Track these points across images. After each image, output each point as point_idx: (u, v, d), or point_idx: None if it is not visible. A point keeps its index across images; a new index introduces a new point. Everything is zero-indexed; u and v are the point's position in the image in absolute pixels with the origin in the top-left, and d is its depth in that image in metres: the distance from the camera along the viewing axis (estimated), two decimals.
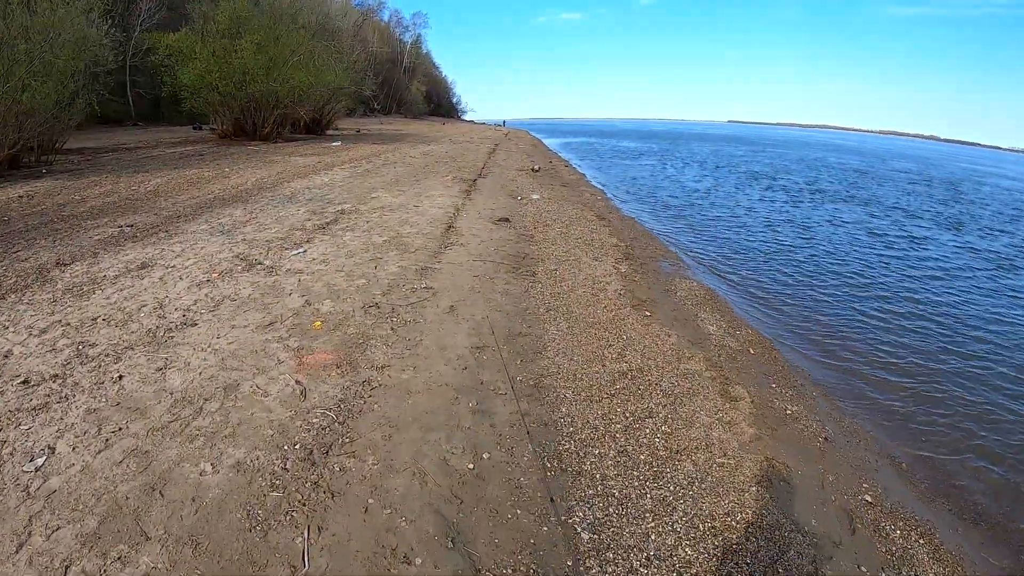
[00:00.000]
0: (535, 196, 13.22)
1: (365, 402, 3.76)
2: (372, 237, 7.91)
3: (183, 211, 9.41)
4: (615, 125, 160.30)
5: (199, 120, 25.50)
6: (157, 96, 26.27)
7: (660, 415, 4.18)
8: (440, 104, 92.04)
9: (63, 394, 3.69)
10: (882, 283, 8.88)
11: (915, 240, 12.36)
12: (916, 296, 8.37)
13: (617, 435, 3.87)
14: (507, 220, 9.88)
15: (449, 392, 4.00)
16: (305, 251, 7.05)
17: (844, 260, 10.08)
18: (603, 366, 4.78)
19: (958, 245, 12.29)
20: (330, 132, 31.16)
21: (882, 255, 10.60)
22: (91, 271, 6.13)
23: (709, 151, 42.49)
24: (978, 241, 13.02)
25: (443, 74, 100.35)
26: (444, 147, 26.72)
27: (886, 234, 12.75)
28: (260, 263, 6.53)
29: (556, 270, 7.18)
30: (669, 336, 5.60)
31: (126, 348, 4.32)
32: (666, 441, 3.88)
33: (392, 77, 68.09)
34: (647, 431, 3.96)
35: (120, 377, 3.90)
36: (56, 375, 3.91)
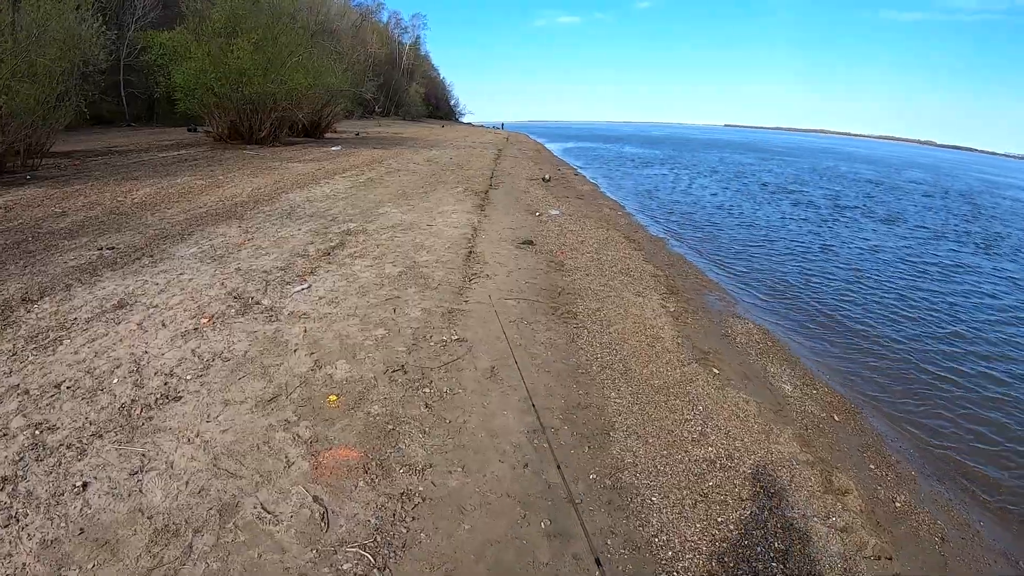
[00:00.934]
0: (554, 212, 12.35)
1: (408, 529, 2.84)
2: (385, 267, 7.00)
3: (171, 229, 8.52)
4: (614, 129, 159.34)
5: (195, 122, 24.51)
6: (152, 97, 25.33)
7: (769, 524, 3.32)
8: (438, 106, 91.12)
9: (13, 511, 2.78)
10: (938, 324, 8.02)
11: (954, 268, 11.39)
12: (977, 343, 7.50)
13: (726, 559, 3.00)
14: (531, 243, 9.00)
15: (514, 507, 3.09)
16: (309, 286, 6.14)
17: (891, 293, 9.21)
18: (685, 452, 3.90)
19: (997, 274, 11.35)
20: (329, 135, 30.26)
21: (930, 289, 9.68)
22: (61, 311, 5.22)
23: (717, 159, 41.55)
24: (1016, 268, 12.12)
25: (441, 76, 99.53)
26: (447, 152, 25.84)
27: (927, 262, 11.77)
28: (258, 303, 5.61)
29: (599, 309, 6.29)
30: (748, 403, 4.72)
31: (94, 435, 3.41)
32: (784, 565, 3.03)
33: (391, 79, 67.21)
34: (758, 551, 3.11)
35: (85, 486, 2.98)
36: (6, 478, 3.00)
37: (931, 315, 8.34)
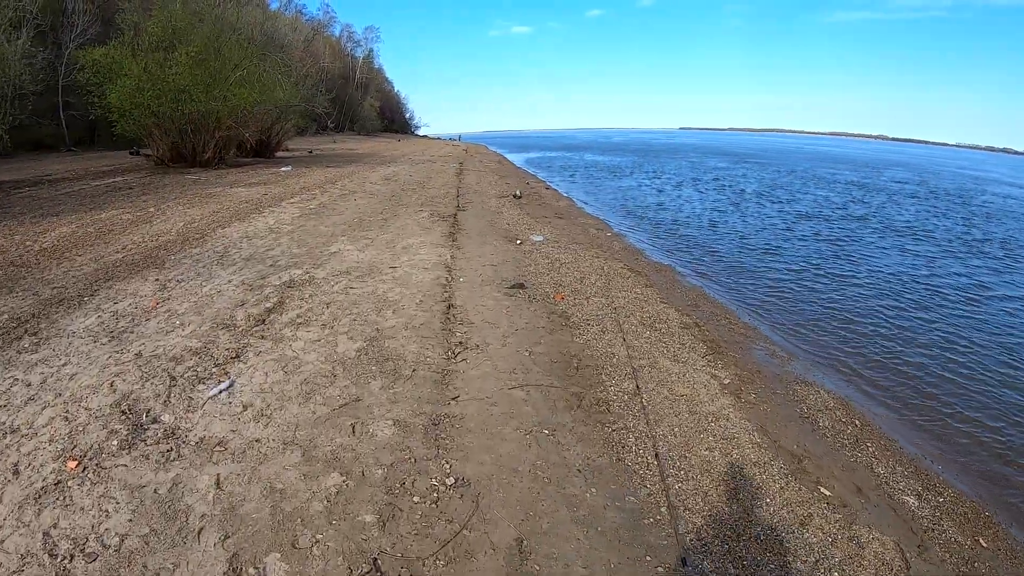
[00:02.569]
0: (537, 238, 10.72)
1: None
2: (338, 341, 5.23)
3: (72, 287, 6.73)
4: (573, 136, 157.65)
5: (138, 145, 22.39)
6: (93, 119, 23.02)
7: None
8: (394, 120, 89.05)
9: None
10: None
11: (1006, 294, 9.79)
12: None
13: None
14: (521, 286, 7.33)
15: None
16: (231, 384, 4.35)
17: (943, 331, 7.64)
18: None
19: None
20: (280, 154, 28.25)
21: (992, 323, 8.15)
22: None
23: (688, 165, 39.66)
24: None
25: (396, 89, 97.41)
26: (406, 168, 24.10)
27: (965, 285, 10.12)
28: (155, 421, 3.83)
29: (636, 393, 4.64)
30: (885, 546, 3.22)
31: None
32: None
33: (345, 93, 65.10)
34: None
35: None
36: None
37: (1007, 359, 6.89)
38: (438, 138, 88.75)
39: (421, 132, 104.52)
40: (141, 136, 20.12)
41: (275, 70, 25.09)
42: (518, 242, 10.21)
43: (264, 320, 5.70)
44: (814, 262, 11.14)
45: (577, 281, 7.79)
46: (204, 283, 6.96)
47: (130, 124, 18.94)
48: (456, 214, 12.75)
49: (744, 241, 13.01)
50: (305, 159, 27.47)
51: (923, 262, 11.75)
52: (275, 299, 6.33)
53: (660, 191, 22.88)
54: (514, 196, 16.84)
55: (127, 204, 12.45)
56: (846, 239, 13.72)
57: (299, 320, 5.70)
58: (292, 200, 13.77)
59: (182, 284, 6.93)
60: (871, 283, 9.76)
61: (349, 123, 68.10)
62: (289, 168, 21.81)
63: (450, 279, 7.38)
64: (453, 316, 6.03)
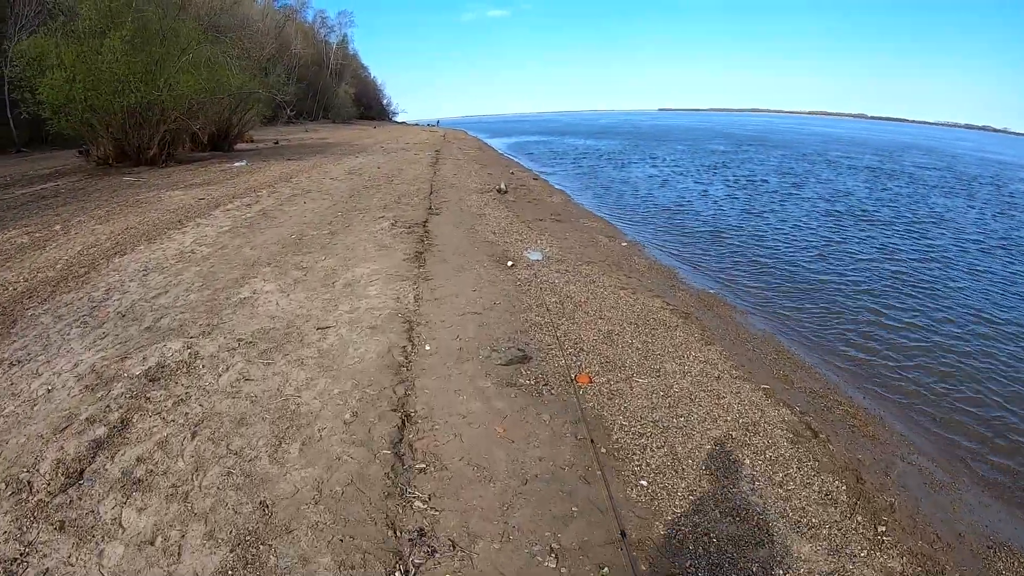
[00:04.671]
0: (535, 255, 8.19)
1: None
2: (185, 549, 2.59)
3: None
4: (553, 119, 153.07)
5: (87, 143, 19.61)
6: (27, 117, 20.02)
7: None
8: (370, 107, 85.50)
9: None
10: None
11: None
12: None
13: None
14: (524, 358, 4.76)
15: None
16: None
17: None
18: None
19: None
20: (241, 146, 25.39)
21: None
22: None
23: (686, 150, 35.74)
24: None
25: (372, 75, 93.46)
26: (376, 159, 21.40)
27: None
28: None
29: None
30: None
31: None
32: None
33: (319, 80, 61.80)
34: None
35: None
36: None
37: None
38: (416, 124, 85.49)
39: (399, 118, 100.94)
40: (82, 134, 17.47)
41: (229, 54, 22.26)
42: (509, 263, 7.67)
43: (81, 473, 3.09)
44: (891, 296, 8.05)
45: (604, 339, 5.22)
46: (41, 368, 4.40)
47: (65, 121, 16.31)
48: (427, 220, 10.17)
49: (792, 255, 10.00)
50: (267, 151, 24.69)
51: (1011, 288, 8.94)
52: (118, 413, 3.70)
53: (666, 182, 20.03)
54: (498, 191, 14.27)
55: (36, 220, 9.84)
56: (916, 257, 10.30)
57: (136, 476, 3.08)
58: (229, 206, 11.15)
59: (14, 369, 4.37)
60: (982, 339, 6.88)
61: (323, 111, 64.77)
62: (244, 163, 19.12)
63: (410, 350, 4.80)
64: (411, 448, 3.43)
